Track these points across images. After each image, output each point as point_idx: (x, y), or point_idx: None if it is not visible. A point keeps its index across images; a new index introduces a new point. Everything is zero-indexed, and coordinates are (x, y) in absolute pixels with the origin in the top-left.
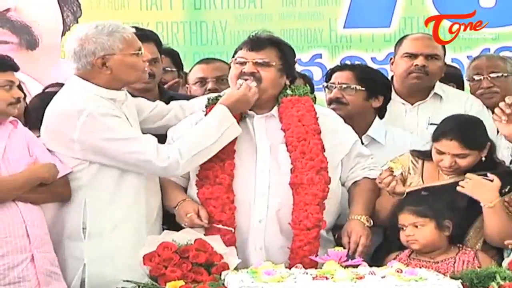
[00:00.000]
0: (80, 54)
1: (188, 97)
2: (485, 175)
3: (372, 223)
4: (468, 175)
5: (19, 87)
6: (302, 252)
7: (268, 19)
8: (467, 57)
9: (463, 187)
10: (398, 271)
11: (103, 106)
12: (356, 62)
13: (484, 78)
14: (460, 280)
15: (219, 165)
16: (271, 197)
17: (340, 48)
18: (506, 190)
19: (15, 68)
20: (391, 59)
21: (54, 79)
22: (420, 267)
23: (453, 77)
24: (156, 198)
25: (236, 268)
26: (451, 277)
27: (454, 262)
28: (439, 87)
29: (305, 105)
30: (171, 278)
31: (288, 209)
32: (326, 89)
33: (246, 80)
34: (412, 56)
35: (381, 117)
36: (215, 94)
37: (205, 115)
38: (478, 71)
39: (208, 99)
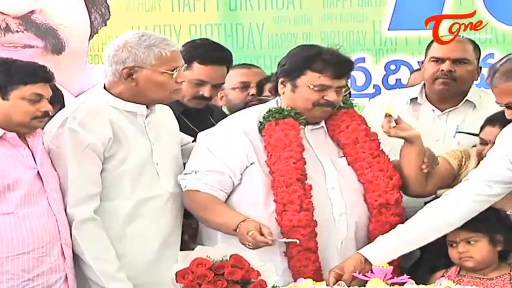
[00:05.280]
0: (112, 60)
1: (223, 112)
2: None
3: None
4: None
5: (56, 97)
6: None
7: (308, 21)
8: None
9: None
10: None
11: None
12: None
13: None
14: None
15: (301, 188)
16: (349, 217)
17: (385, 52)
18: None
19: (47, 79)
20: (421, 62)
21: (81, 85)
22: (472, 285)
23: None
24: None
25: (274, 286)
26: None
27: (510, 279)
28: (475, 93)
29: (360, 119)
30: None
31: (363, 229)
32: None
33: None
34: (439, 60)
35: None
36: (274, 108)
37: (261, 134)
38: None
39: (270, 112)
